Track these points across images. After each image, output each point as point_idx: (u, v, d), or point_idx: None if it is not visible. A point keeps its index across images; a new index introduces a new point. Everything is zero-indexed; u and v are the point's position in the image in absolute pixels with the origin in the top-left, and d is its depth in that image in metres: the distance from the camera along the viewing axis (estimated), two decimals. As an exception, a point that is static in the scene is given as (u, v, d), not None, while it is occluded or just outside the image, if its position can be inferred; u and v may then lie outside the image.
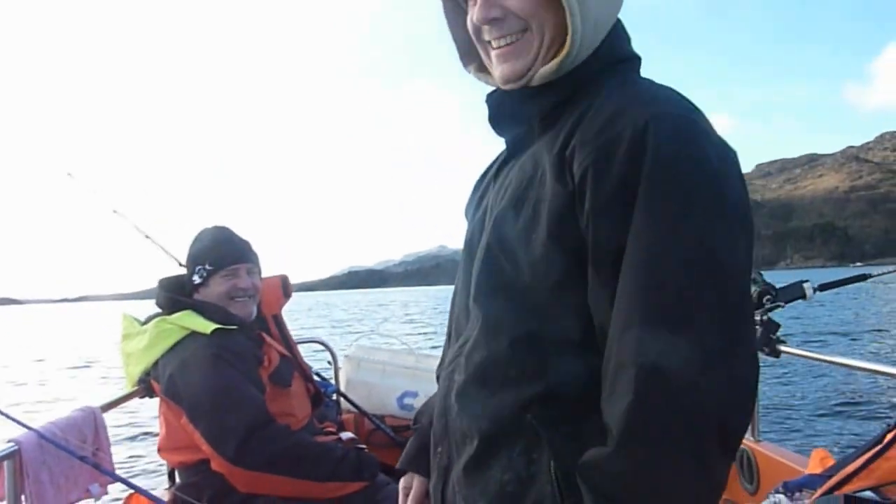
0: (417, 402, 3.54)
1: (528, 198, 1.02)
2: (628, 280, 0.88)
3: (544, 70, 1.05)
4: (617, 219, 0.89)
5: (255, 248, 2.61)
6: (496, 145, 1.24)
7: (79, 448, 2.05)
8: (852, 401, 9.02)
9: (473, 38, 1.12)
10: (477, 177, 1.35)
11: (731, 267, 0.88)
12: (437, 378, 1.33)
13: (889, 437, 1.70)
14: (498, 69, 1.09)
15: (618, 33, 1.10)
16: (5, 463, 1.87)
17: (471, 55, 1.22)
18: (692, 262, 0.86)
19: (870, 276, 2.79)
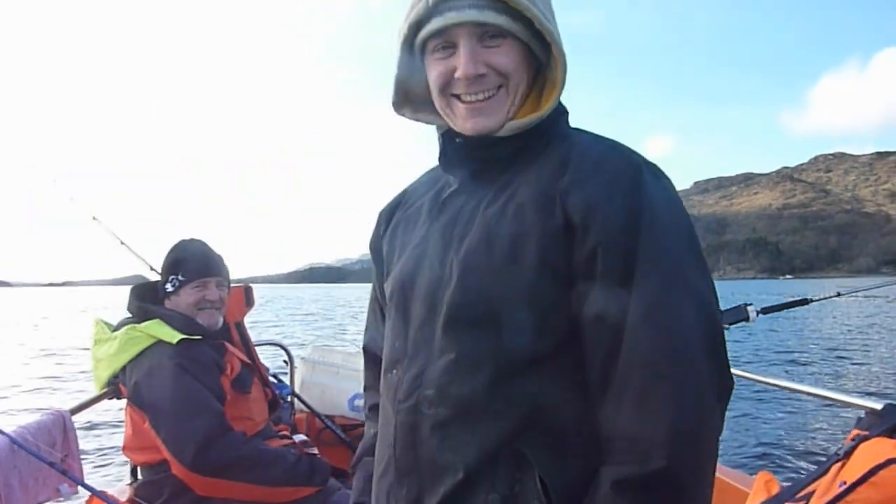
0: (367, 403, 3.64)
1: (501, 233, 1.07)
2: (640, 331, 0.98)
3: (515, 124, 1.14)
4: (625, 253, 1.01)
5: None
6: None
7: (48, 454, 2.09)
8: (796, 424, 9.01)
9: (436, 88, 1.15)
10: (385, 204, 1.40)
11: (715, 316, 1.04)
12: (372, 407, 1.37)
13: (835, 468, 1.75)
14: (469, 122, 1.14)
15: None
16: None
17: (406, 102, 1.26)
18: (695, 318, 0.99)
19: (811, 300, 2.85)
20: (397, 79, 1.22)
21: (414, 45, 1.17)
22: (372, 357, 1.43)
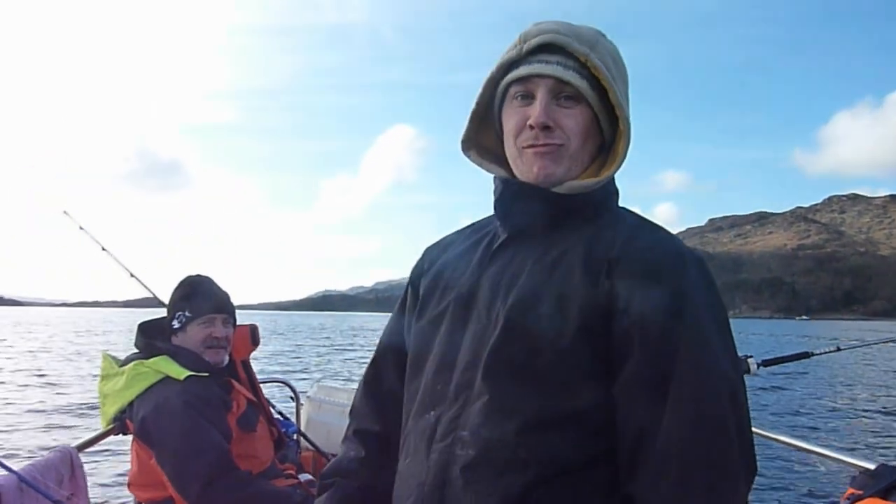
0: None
1: (550, 290, 1.13)
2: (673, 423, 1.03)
3: (575, 184, 1.20)
4: (662, 338, 1.06)
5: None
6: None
7: (55, 492, 2.10)
8: (795, 478, 8.92)
9: (511, 134, 1.23)
10: (433, 241, 1.46)
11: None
12: (357, 431, 1.41)
13: None
14: (535, 166, 1.20)
15: None
16: None
17: (474, 144, 1.33)
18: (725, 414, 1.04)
19: (812, 354, 2.87)
20: (473, 113, 1.30)
21: (498, 87, 1.26)
22: (376, 390, 1.45)
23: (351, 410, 1.50)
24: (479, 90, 1.28)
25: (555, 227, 1.21)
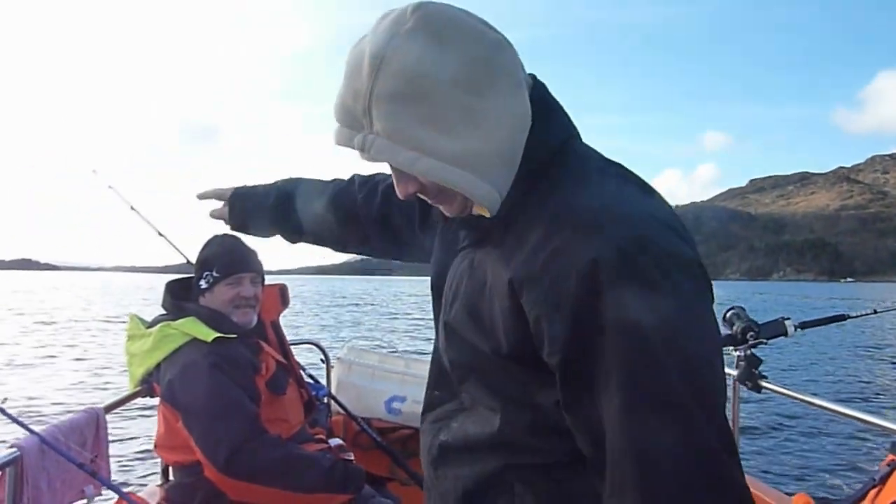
0: (405, 407, 3.63)
1: (482, 309, 1.04)
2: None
3: (477, 210, 1.05)
4: (581, 375, 0.91)
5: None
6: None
7: (78, 454, 2.09)
8: (833, 444, 8.84)
9: None
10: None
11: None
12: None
13: (871, 493, 1.75)
14: (442, 209, 1.09)
15: (541, 128, 1.02)
16: (8, 469, 1.88)
17: None
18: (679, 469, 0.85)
19: (848, 316, 2.84)
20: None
21: None
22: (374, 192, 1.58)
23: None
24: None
25: (503, 232, 1.04)
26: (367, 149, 0.95)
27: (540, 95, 1.04)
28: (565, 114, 1.07)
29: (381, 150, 0.93)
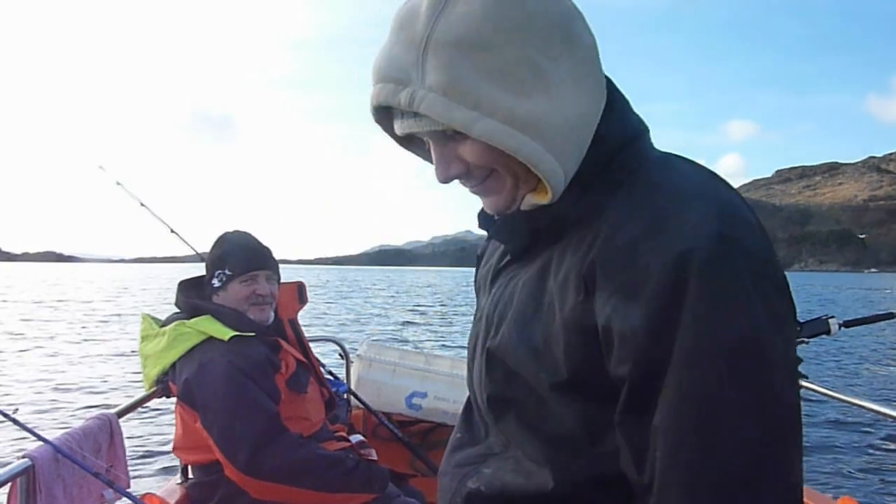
0: (426, 403, 3.64)
1: (535, 329, 0.91)
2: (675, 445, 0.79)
3: (530, 199, 0.93)
4: (648, 381, 0.79)
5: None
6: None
7: (93, 464, 2.05)
8: (878, 447, 8.63)
9: None
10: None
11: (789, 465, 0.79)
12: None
13: None
14: (484, 203, 0.99)
15: (615, 116, 0.93)
16: (18, 480, 1.85)
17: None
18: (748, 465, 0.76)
19: None
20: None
21: None
22: None
23: None
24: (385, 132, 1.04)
25: (555, 239, 0.95)
26: (416, 104, 0.83)
27: (611, 87, 0.95)
28: (635, 112, 0.98)
29: (433, 105, 0.82)
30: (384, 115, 0.95)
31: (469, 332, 1.12)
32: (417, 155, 1.04)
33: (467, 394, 1.14)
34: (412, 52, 0.83)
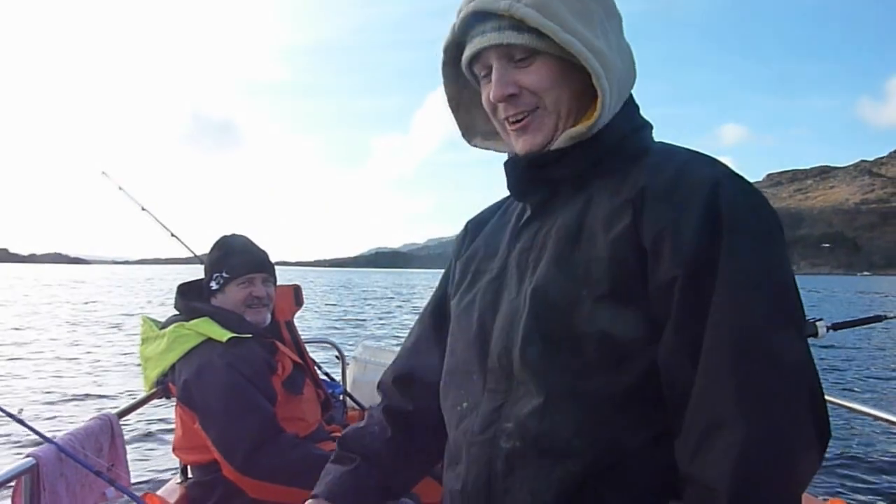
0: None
1: (572, 259, 1.03)
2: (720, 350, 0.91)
3: (569, 133, 1.08)
4: (701, 280, 0.93)
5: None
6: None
7: (95, 463, 2.08)
8: (868, 448, 8.67)
9: (490, 114, 1.15)
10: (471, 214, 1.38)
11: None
12: (385, 409, 1.36)
13: None
14: (518, 142, 1.12)
15: (633, 103, 1.15)
16: (23, 478, 1.88)
17: (471, 130, 1.28)
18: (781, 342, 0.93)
19: (885, 317, 2.73)
20: (451, 105, 1.25)
21: (461, 69, 1.18)
22: (409, 381, 1.37)
23: (381, 385, 1.43)
24: (442, 81, 1.23)
25: (577, 190, 1.10)
26: (514, 10, 1.01)
27: None
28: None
29: (530, 12, 1.01)
30: (453, 54, 1.16)
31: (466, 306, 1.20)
32: (457, 121, 1.25)
33: None
34: None
